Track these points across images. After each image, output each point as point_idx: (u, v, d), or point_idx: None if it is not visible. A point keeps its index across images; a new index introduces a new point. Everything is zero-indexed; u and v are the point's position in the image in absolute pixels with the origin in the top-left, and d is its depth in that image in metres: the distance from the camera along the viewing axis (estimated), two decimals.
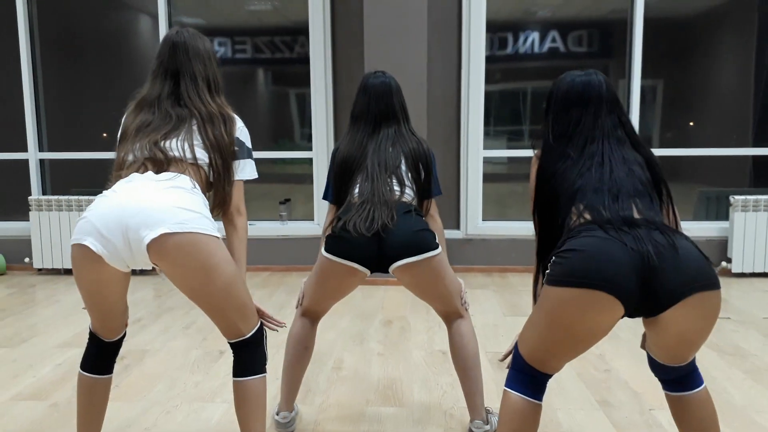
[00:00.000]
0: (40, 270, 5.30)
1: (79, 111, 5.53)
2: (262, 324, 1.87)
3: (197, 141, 1.79)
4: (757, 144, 5.18)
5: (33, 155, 5.36)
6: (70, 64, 5.49)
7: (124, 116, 1.87)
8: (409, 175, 2.24)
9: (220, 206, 1.86)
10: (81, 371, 1.89)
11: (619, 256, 1.46)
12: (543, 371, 1.65)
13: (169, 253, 1.61)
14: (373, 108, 2.29)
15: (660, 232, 1.51)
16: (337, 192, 2.30)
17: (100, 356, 1.88)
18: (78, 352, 3.30)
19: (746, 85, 5.21)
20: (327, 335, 3.57)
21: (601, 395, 2.70)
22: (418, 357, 3.21)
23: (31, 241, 5.16)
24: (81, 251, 1.66)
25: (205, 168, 1.81)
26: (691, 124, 5.24)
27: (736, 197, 4.78)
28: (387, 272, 2.18)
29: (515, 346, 1.73)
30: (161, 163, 1.75)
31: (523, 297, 4.38)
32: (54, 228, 5.11)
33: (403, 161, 2.24)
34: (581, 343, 1.55)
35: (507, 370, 1.85)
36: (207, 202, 1.78)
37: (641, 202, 1.61)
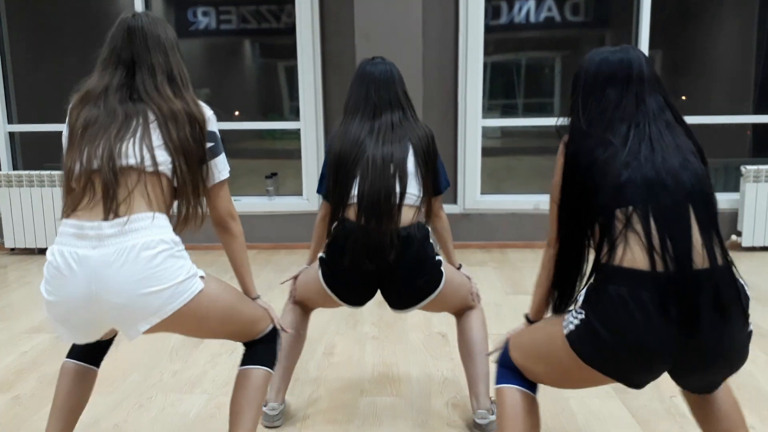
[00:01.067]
0: (12, 249, 5.02)
1: (52, 82, 5.21)
2: (274, 326, 1.80)
3: (157, 141, 1.50)
4: (758, 112, 4.96)
5: (1, 128, 5.03)
6: (42, 34, 5.15)
7: (68, 112, 1.58)
8: (418, 170, 1.97)
9: (186, 221, 1.59)
10: (68, 359, 1.72)
11: (655, 348, 1.28)
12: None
13: (159, 330, 1.52)
14: (372, 96, 1.99)
15: (715, 308, 1.27)
16: (332, 191, 2.01)
17: (92, 348, 1.75)
18: (47, 338, 3.05)
19: (748, 54, 4.99)
20: (318, 318, 3.33)
21: None
22: (415, 340, 2.98)
23: (2, 219, 4.87)
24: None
25: (168, 174, 1.52)
26: (684, 98, 5.02)
27: (748, 167, 4.53)
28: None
29: (506, 346, 1.63)
30: (109, 183, 1.45)
31: (525, 274, 4.15)
32: (26, 205, 4.81)
33: (411, 153, 1.97)
34: (588, 387, 1.48)
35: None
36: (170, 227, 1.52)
37: (701, 227, 1.32)
